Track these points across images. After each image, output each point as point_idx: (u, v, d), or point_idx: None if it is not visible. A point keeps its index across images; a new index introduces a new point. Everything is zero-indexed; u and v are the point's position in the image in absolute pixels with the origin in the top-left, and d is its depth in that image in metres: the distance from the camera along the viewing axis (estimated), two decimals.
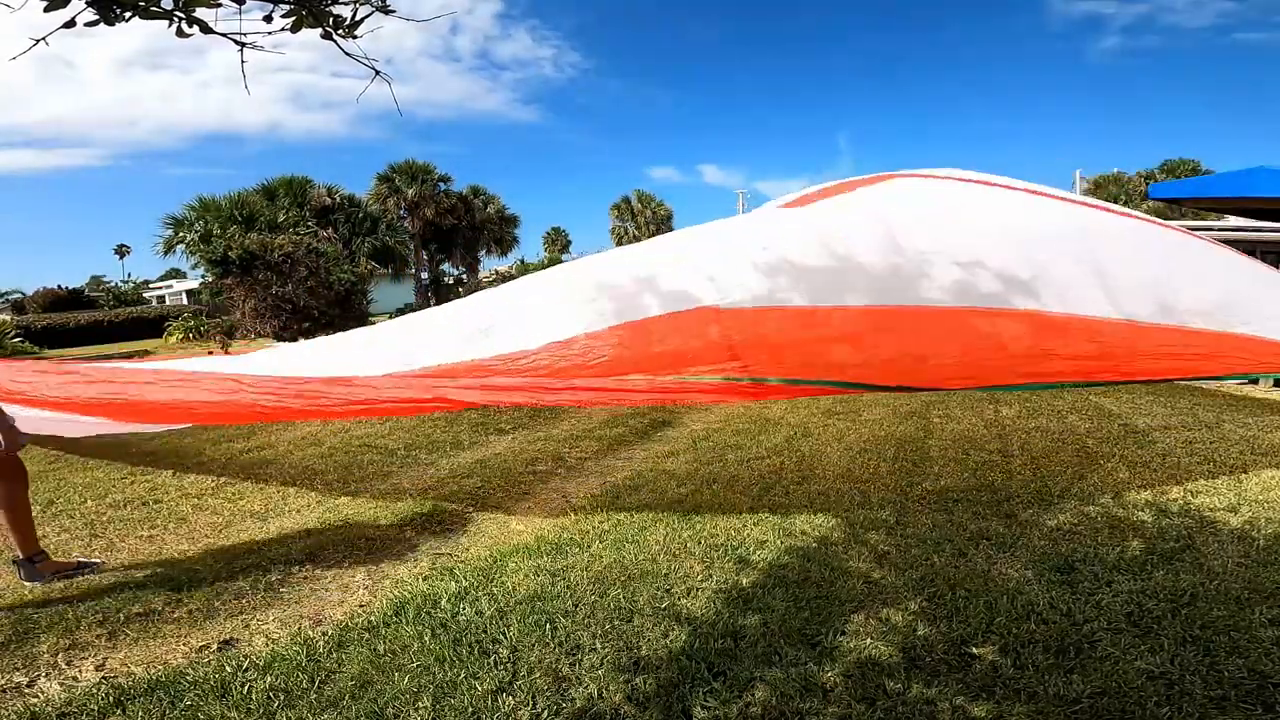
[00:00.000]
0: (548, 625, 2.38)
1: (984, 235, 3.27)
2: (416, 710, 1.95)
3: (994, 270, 3.08)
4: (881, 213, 3.47)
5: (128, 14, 1.26)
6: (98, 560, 3.07)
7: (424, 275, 29.17)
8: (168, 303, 36.79)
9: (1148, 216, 4.01)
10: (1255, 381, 7.18)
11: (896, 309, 3.01)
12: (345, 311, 17.00)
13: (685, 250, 3.89)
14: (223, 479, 4.30)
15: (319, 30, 1.41)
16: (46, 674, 2.20)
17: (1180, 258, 3.37)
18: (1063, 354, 2.83)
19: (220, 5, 1.35)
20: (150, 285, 47.52)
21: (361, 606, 2.60)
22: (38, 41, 1.27)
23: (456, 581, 2.73)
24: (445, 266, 30.87)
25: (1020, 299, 2.96)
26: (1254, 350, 2.87)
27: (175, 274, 43.18)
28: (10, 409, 2.87)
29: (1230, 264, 3.45)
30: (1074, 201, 3.77)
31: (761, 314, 3.10)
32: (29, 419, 3.04)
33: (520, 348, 3.06)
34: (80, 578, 2.92)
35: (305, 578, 2.87)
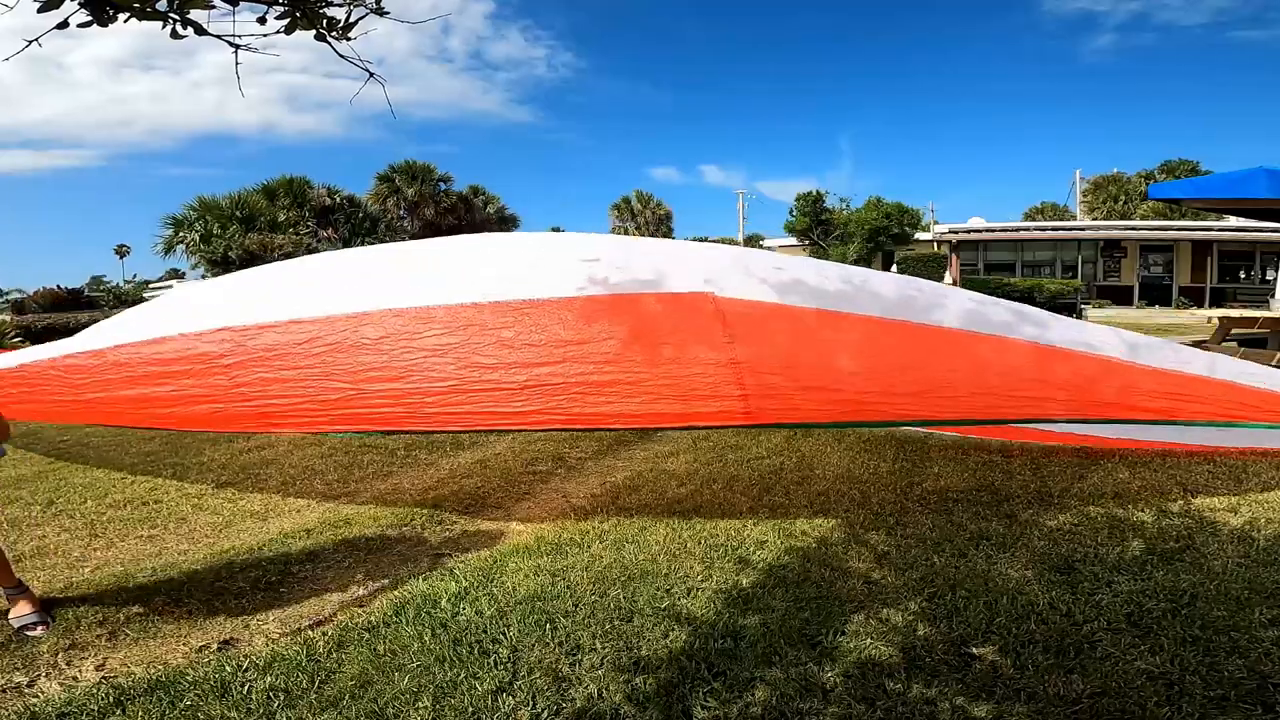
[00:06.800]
0: (548, 625, 2.38)
1: None
2: (416, 710, 1.95)
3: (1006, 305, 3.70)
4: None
5: (122, 15, 1.26)
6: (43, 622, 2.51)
7: None
8: None
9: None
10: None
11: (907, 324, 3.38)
12: None
13: (679, 255, 4.11)
14: (223, 479, 4.29)
15: (313, 32, 1.41)
16: (46, 674, 2.20)
17: None
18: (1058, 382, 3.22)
19: (214, 7, 1.34)
20: (151, 285, 47.43)
21: (361, 606, 2.60)
22: (31, 42, 1.27)
23: (456, 581, 2.73)
24: None
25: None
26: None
27: (175, 274, 43.11)
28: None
29: None
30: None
31: (771, 313, 3.32)
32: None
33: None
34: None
35: (305, 578, 2.87)
